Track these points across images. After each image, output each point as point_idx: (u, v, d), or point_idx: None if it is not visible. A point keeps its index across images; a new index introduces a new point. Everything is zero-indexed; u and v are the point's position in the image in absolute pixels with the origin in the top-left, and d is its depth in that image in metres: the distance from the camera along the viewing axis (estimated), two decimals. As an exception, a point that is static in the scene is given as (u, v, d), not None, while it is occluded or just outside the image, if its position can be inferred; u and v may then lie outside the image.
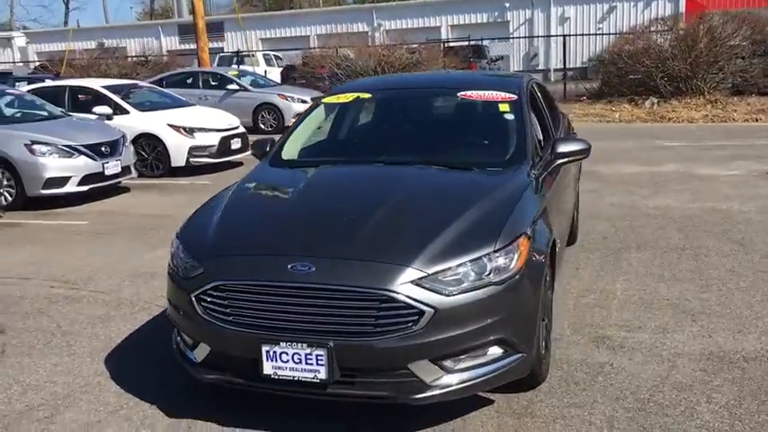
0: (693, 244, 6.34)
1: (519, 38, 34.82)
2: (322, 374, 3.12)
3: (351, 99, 4.92)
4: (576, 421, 3.44)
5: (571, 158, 4.39)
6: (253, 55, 26.92)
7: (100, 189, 9.36)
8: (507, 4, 36.38)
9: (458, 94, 4.78)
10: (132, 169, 10.04)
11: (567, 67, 22.94)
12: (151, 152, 11.15)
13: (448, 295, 3.12)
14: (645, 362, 4.06)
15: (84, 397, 3.83)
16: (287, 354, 3.15)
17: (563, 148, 4.33)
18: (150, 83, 17.02)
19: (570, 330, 4.54)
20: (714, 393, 3.66)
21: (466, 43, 26.10)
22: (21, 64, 34.61)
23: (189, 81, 17.10)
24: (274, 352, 3.17)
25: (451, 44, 26.66)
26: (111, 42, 37.31)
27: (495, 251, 3.27)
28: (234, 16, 46.50)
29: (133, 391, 3.84)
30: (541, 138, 4.63)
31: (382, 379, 3.16)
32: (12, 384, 4.02)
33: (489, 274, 3.23)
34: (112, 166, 9.45)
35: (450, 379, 3.20)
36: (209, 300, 3.30)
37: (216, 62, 26.42)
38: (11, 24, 61.96)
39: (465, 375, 3.23)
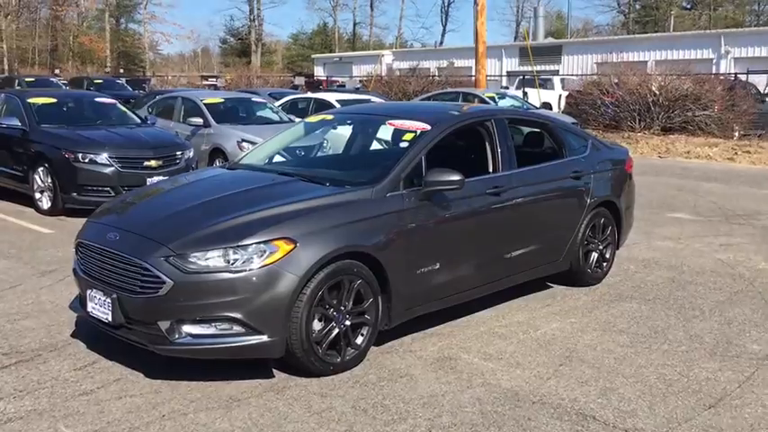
0: (717, 310, 5.78)
1: None
2: (110, 317, 4.23)
3: (318, 120, 5.80)
4: (311, 410, 3.97)
5: (441, 187, 4.72)
6: (548, 79, 27.33)
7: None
8: None
9: (386, 122, 5.36)
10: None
11: None
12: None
13: (186, 272, 3.99)
14: (447, 382, 4.31)
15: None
16: (96, 298, 4.33)
17: (430, 177, 4.70)
18: (421, 99, 18.90)
19: (436, 348, 4.86)
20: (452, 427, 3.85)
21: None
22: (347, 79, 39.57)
23: (455, 99, 18.50)
24: (91, 295, 4.38)
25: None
26: (458, 62, 40.89)
27: (239, 246, 4.03)
28: (576, 40, 46.89)
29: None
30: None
31: (144, 329, 4.15)
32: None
33: (233, 263, 4.01)
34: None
35: (190, 340, 4.06)
36: (78, 251, 4.63)
37: (515, 84, 27.48)
38: (398, 42, 70.47)
39: (205, 341, 4.06)
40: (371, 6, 72.16)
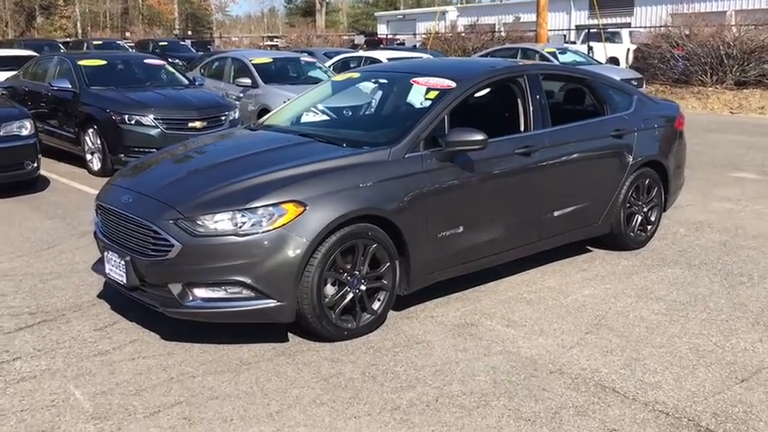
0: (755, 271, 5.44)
1: None
2: (124, 279, 4.23)
3: (345, 78, 5.63)
4: (319, 376, 3.90)
5: (462, 147, 4.51)
6: (615, 32, 26.15)
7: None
8: None
9: (410, 80, 5.15)
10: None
11: None
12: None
13: (195, 236, 3.93)
14: (464, 350, 4.16)
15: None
16: (112, 260, 4.34)
17: (451, 137, 4.50)
18: (479, 56, 18.42)
19: (458, 314, 4.71)
20: (462, 396, 3.73)
21: None
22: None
23: (513, 56, 17.94)
24: (108, 257, 4.39)
25: None
26: (524, 17, 39.71)
27: (247, 209, 3.94)
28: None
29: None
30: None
31: (157, 292, 4.13)
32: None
33: (241, 226, 3.93)
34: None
35: (201, 303, 4.02)
36: (97, 213, 4.64)
37: (581, 38, 26.46)
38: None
39: (215, 304, 4.02)
40: (438, -39, 70.50)
